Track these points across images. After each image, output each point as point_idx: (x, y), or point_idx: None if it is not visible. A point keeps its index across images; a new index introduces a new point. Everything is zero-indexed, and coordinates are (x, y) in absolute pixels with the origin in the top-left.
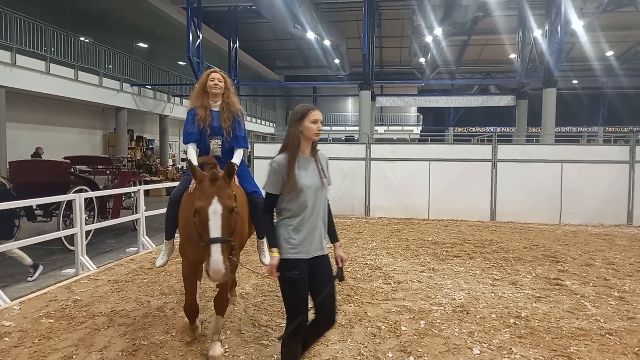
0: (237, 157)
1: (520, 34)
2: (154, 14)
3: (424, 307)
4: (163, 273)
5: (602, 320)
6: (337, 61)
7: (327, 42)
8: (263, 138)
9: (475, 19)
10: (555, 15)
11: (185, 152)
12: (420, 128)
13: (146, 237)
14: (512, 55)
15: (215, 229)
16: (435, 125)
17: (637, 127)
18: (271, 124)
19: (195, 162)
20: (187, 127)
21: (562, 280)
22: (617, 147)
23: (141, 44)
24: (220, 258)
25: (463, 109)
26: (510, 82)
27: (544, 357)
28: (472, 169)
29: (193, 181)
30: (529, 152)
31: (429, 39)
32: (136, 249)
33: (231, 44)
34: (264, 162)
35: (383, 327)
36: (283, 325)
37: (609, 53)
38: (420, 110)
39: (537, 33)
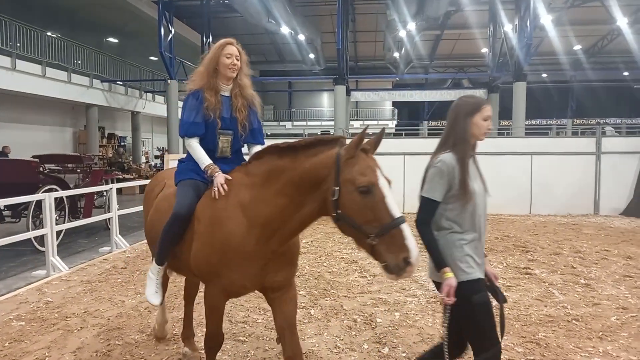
0: None
1: (491, 29)
2: (124, 8)
3: (399, 299)
4: (137, 272)
5: (569, 307)
6: (311, 56)
7: (301, 37)
8: None
9: (448, 13)
10: (524, 10)
11: (162, 152)
12: (395, 122)
13: (119, 236)
14: (484, 50)
15: (395, 206)
16: (410, 119)
17: (603, 119)
18: None
19: (208, 160)
20: (189, 115)
21: (532, 269)
22: (584, 139)
23: (111, 39)
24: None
25: (437, 102)
26: (482, 76)
27: (514, 344)
28: None
29: (218, 184)
30: (500, 144)
31: (402, 33)
32: (109, 248)
33: (204, 38)
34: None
35: (359, 319)
36: (260, 320)
37: (577, 47)
38: (395, 104)
39: (508, 28)
